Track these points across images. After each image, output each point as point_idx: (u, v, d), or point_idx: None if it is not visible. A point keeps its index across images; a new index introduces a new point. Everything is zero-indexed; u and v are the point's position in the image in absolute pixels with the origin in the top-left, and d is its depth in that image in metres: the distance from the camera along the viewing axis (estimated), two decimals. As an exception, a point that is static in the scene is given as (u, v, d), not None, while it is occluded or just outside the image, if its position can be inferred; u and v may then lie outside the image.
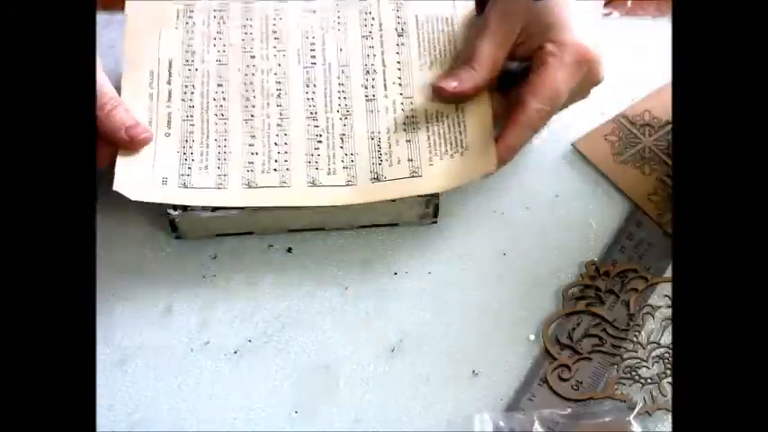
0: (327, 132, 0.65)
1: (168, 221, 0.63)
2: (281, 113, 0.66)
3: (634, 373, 0.60)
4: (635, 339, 0.62)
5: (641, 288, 0.63)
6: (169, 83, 0.66)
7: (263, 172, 0.63)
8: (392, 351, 0.61)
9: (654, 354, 0.61)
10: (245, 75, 0.67)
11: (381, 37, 0.68)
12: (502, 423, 0.58)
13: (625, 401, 0.59)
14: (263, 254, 0.65)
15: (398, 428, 0.59)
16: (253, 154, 0.64)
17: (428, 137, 0.64)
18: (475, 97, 0.65)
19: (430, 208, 0.64)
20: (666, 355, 0.61)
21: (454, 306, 0.63)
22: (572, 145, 0.69)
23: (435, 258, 0.64)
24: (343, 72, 0.67)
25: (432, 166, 0.63)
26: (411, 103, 0.66)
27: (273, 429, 0.59)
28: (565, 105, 0.65)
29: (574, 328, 0.62)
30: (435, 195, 0.63)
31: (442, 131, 0.64)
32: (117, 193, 0.67)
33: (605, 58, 0.64)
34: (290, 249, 0.65)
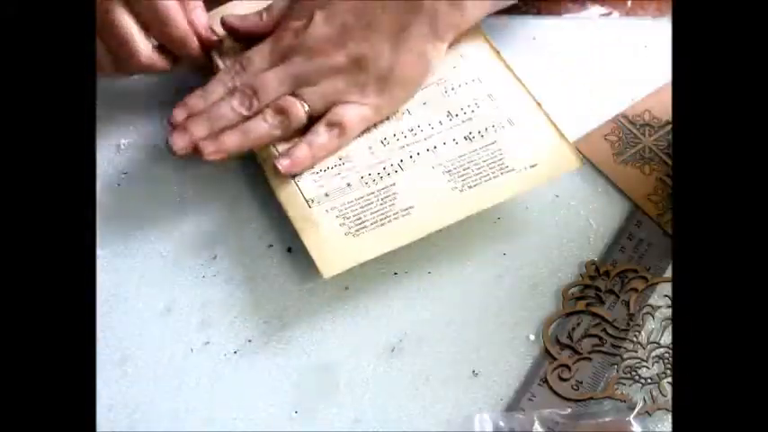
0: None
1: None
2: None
3: (634, 373, 0.60)
4: (635, 339, 0.62)
5: (641, 288, 0.63)
6: None
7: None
8: (392, 351, 0.61)
9: (654, 354, 0.61)
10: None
11: None
12: (502, 423, 0.58)
13: (625, 401, 0.59)
14: (263, 254, 0.65)
15: (398, 428, 0.59)
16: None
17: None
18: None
19: None
20: (666, 355, 0.61)
21: (454, 306, 0.63)
22: (572, 145, 0.69)
23: (435, 258, 0.64)
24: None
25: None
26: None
27: (273, 429, 0.59)
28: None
29: (574, 328, 0.62)
30: None
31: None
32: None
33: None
34: (289, 249, 0.65)
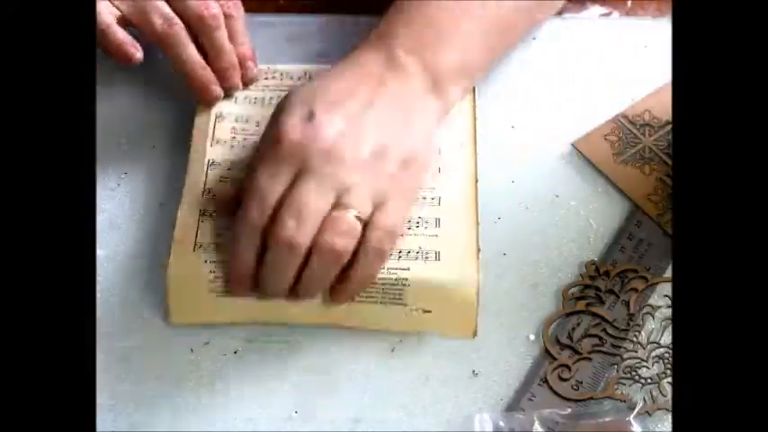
0: None
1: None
2: None
3: (634, 373, 0.60)
4: (635, 339, 0.62)
5: (641, 288, 0.63)
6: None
7: None
8: (392, 351, 0.61)
9: (654, 354, 0.61)
10: None
11: None
12: (502, 423, 0.58)
13: (625, 401, 0.59)
14: (263, 254, 0.64)
15: (398, 428, 0.59)
16: None
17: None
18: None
19: None
20: (666, 355, 0.61)
21: (454, 306, 0.63)
22: (572, 145, 0.69)
23: (435, 258, 0.64)
24: None
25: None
26: None
27: (273, 429, 0.59)
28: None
29: (574, 328, 0.62)
30: None
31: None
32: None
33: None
34: (290, 249, 0.65)
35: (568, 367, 0.60)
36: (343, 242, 0.57)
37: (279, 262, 0.57)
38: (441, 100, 0.64)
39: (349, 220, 0.57)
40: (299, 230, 0.57)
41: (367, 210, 0.58)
